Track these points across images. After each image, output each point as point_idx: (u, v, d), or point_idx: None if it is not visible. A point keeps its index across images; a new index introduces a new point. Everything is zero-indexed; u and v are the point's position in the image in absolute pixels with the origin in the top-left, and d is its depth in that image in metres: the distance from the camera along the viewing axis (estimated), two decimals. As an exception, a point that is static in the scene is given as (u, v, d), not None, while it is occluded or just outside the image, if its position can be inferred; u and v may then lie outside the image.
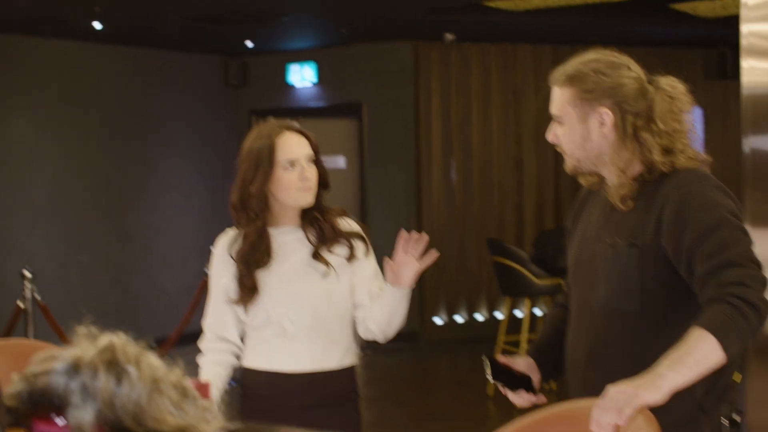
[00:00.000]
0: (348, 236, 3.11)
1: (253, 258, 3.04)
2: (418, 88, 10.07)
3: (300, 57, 10.48)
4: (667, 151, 2.49)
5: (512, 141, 10.37)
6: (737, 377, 2.53)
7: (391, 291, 3.07)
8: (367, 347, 10.29)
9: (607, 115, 2.52)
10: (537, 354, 2.74)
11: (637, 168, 2.52)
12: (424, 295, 10.08)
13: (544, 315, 8.25)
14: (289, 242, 3.09)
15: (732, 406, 2.49)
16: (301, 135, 3.07)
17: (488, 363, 2.59)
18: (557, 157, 10.96)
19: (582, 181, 2.72)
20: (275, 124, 3.09)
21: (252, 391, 3.11)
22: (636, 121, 2.51)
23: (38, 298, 6.51)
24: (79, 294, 9.03)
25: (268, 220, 3.08)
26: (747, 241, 2.38)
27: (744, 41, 4.39)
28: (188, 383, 1.75)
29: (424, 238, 3.05)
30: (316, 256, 3.06)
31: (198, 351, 3.17)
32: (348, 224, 3.16)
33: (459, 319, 10.25)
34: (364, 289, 3.12)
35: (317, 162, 3.08)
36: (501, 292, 7.53)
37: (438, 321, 10.18)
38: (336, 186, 11.20)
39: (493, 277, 8.32)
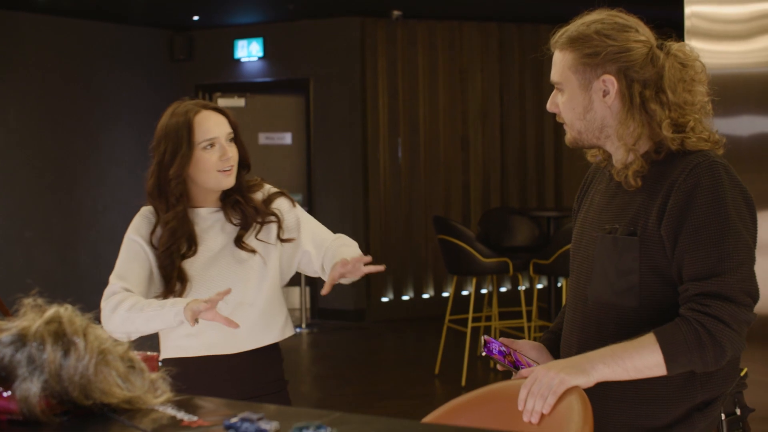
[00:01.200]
0: (271, 213, 3.02)
1: (176, 246, 2.90)
2: (365, 65, 10.05)
3: (247, 32, 10.40)
4: (678, 126, 2.25)
5: (458, 119, 10.39)
6: (741, 372, 2.35)
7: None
8: (313, 325, 10.25)
9: (611, 82, 2.29)
10: (549, 341, 2.54)
11: (645, 145, 2.30)
12: (371, 273, 10.07)
13: (489, 293, 8.29)
14: (211, 226, 2.99)
15: (735, 400, 2.31)
16: (219, 113, 2.96)
17: (483, 342, 2.34)
18: (503, 135, 11.03)
19: (588, 156, 2.50)
20: (191, 103, 2.97)
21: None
22: (644, 90, 2.27)
23: (-20, 273, 6.40)
24: (25, 270, 8.92)
25: (189, 202, 2.97)
26: (748, 260, 2.16)
27: (687, 22, 4.40)
28: (135, 355, 1.74)
29: (367, 259, 2.88)
30: (239, 244, 2.96)
31: None
32: (267, 194, 3.06)
33: (405, 297, 10.28)
34: (309, 242, 3.04)
35: (237, 141, 2.97)
36: (447, 270, 7.54)
37: (384, 299, 10.20)
38: (282, 162, 11.15)
39: (439, 255, 8.34)
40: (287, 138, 10.71)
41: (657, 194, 2.25)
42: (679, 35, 4.59)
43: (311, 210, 10.26)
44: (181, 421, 1.64)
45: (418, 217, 10.21)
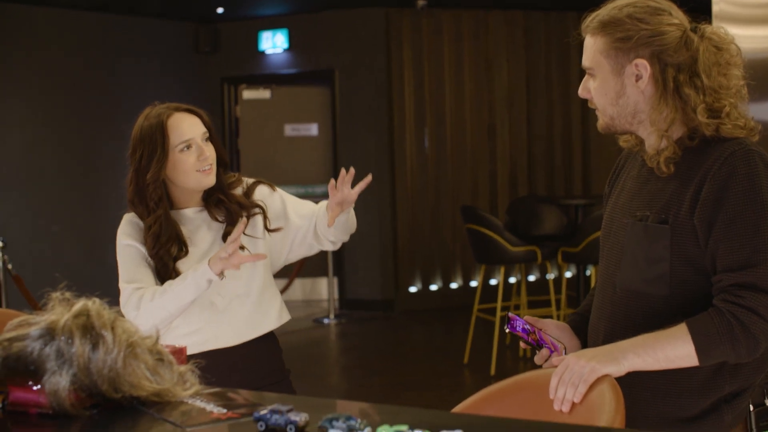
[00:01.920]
0: (254, 205, 3.03)
1: (165, 250, 2.91)
2: (390, 55, 10.02)
3: (271, 23, 10.39)
4: (713, 111, 2.19)
5: (485, 108, 10.35)
6: None
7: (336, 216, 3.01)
8: (341, 315, 10.26)
9: (644, 67, 2.23)
10: (574, 322, 2.50)
11: (679, 130, 2.24)
12: (399, 263, 10.08)
13: (518, 282, 8.26)
14: (198, 225, 3.00)
15: (763, 391, 2.27)
16: (192, 114, 2.97)
17: (507, 318, 2.30)
18: (529, 123, 10.99)
19: (621, 142, 2.45)
20: (163, 107, 2.99)
21: None
22: (677, 74, 2.21)
23: (10, 268, 6.45)
24: (52, 264, 8.96)
25: (168, 208, 2.97)
26: None
27: (715, 7, 4.36)
28: (163, 348, 1.74)
29: (351, 172, 2.94)
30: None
31: None
32: (246, 187, 3.08)
33: (433, 287, 10.26)
34: (297, 217, 3.07)
35: (213, 140, 2.98)
36: (475, 259, 7.52)
37: (412, 289, 10.19)
38: (308, 153, 11.15)
39: (467, 245, 8.31)
40: (313, 129, 10.70)
41: (690, 182, 2.20)
42: (707, 20, 4.55)
43: (338, 201, 10.24)
44: (211, 413, 1.63)
45: (445, 206, 10.18)
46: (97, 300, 1.69)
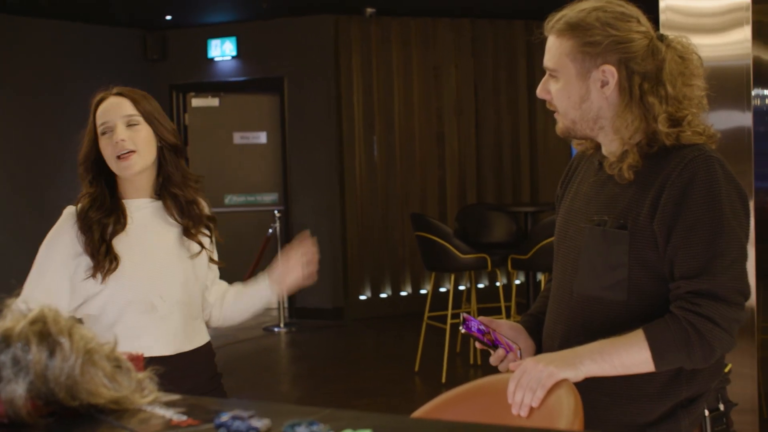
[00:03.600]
0: (208, 219, 2.98)
1: (103, 222, 2.82)
2: (339, 62, 10.02)
3: (220, 31, 10.36)
4: (674, 120, 2.19)
5: (433, 115, 10.38)
6: (726, 368, 2.33)
7: (265, 290, 2.99)
8: (291, 324, 10.20)
9: (611, 73, 2.21)
10: (527, 323, 2.50)
11: (636, 137, 2.23)
12: (349, 271, 10.07)
13: (468, 289, 8.29)
14: (146, 215, 2.90)
15: (718, 396, 2.30)
16: (122, 97, 2.87)
17: (463, 318, 2.30)
18: (478, 131, 11.04)
19: (574, 144, 2.44)
20: (107, 90, 2.92)
21: None
22: (643, 82, 2.20)
23: (-45, 277, 6.35)
24: (0, 272, 8.85)
25: (121, 194, 2.91)
26: (741, 259, 2.14)
27: (662, 16, 4.41)
28: (121, 355, 1.72)
29: (315, 247, 2.95)
30: (188, 234, 2.89)
31: None
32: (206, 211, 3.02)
33: (383, 295, 10.26)
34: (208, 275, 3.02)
35: (153, 126, 2.87)
36: (425, 267, 7.53)
37: (362, 297, 10.18)
38: (258, 161, 11.12)
39: (416, 252, 8.34)
40: (262, 137, 10.67)
41: (650, 188, 2.19)
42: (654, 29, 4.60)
43: (288, 209, 10.23)
44: (170, 420, 1.61)
45: (394, 214, 10.19)
46: (53, 306, 1.66)
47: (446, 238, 7.12)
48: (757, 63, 4.25)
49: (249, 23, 10.25)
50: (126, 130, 2.83)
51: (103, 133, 2.84)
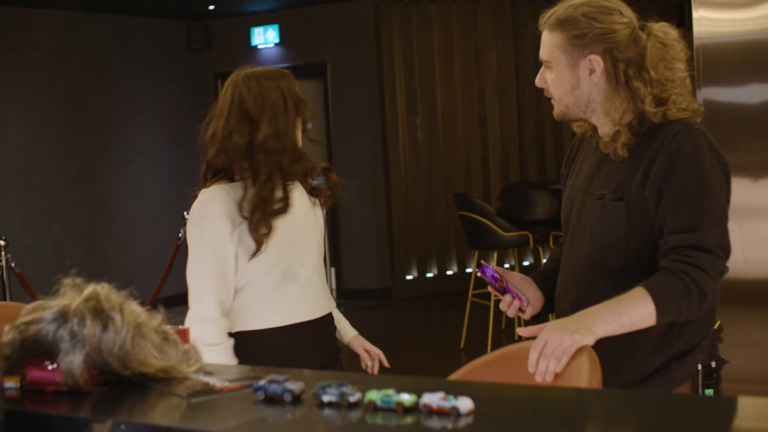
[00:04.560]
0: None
1: (271, 208, 2.83)
2: (380, 47, 10.14)
3: (262, 19, 10.52)
4: (660, 101, 2.42)
5: (475, 97, 10.47)
6: (716, 324, 2.53)
7: (346, 332, 3.26)
8: (340, 305, 10.35)
9: (597, 62, 2.45)
10: (539, 279, 2.71)
11: (627, 118, 2.47)
12: (395, 252, 10.21)
13: (512, 267, 8.39)
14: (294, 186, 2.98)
15: (711, 353, 2.49)
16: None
17: (480, 264, 2.58)
18: (520, 111, 11.10)
19: (575, 127, 2.69)
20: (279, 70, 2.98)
21: (260, 356, 2.84)
22: (627, 69, 2.43)
23: (13, 266, 6.56)
24: (54, 262, 9.08)
25: None
26: (723, 219, 2.35)
27: (696, -8, 4.47)
28: (168, 328, 1.87)
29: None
30: (315, 205, 3.02)
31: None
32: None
33: (430, 274, 10.39)
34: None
35: None
36: (468, 245, 7.65)
37: (409, 277, 10.32)
38: (303, 146, 11.23)
39: (461, 231, 8.45)
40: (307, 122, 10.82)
41: (641, 162, 2.42)
42: (687, 5, 4.63)
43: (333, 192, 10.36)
44: (214, 386, 1.76)
45: (439, 195, 10.31)
46: (105, 285, 1.82)
47: (488, 217, 7.24)
48: (788, 35, 4.33)
49: (291, 10, 10.40)
50: None
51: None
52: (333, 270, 10.28)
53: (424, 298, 10.18)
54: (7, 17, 9.23)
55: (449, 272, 10.41)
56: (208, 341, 2.72)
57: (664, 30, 2.48)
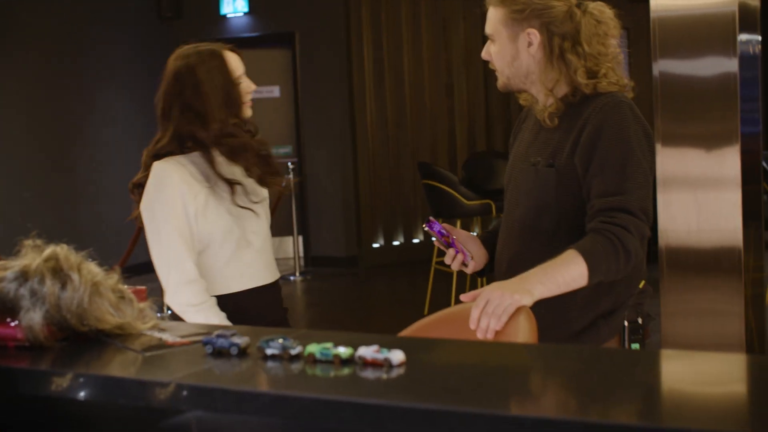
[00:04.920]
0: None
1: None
2: (349, 17, 10.21)
3: (232, -12, 10.56)
4: (591, 73, 2.59)
5: (443, 67, 10.57)
6: (641, 284, 2.70)
7: None
8: (307, 272, 10.42)
9: (534, 35, 2.62)
10: (484, 238, 2.86)
11: (563, 89, 2.64)
12: (362, 220, 10.33)
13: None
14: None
15: (637, 310, 2.66)
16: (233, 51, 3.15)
17: (428, 219, 2.72)
18: (487, 81, 11.17)
19: (521, 101, 2.83)
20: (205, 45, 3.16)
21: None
22: (563, 42, 2.61)
23: (-19, 232, 6.63)
24: (24, 228, 9.12)
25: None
26: (646, 184, 2.51)
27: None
28: (124, 287, 1.98)
29: None
30: (262, 182, 3.12)
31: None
32: None
33: (396, 243, 10.52)
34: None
35: None
36: (432, 214, 7.78)
37: (375, 245, 10.45)
38: (271, 115, 11.28)
39: (426, 201, 8.58)
40: (275, 91, 10.88)
41: (572, 130, 2.60)
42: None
43: (301, 162, 10.47)
44: (166, 341, 1.88)
45: (405, 164, 10.42)
46: (64, 246, 1.92)
47: (452, 186, 7.36)
48: (743, 8, 4.39)
49: (260, -21, 10.45)
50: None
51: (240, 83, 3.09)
52: (300, 238, 10.39)
53: (390, 265, 10.31)
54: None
55: (415, 240, 10.54)
56: (194, 301, 2.88)
57: (600, 8, 2.66)
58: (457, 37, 10.57)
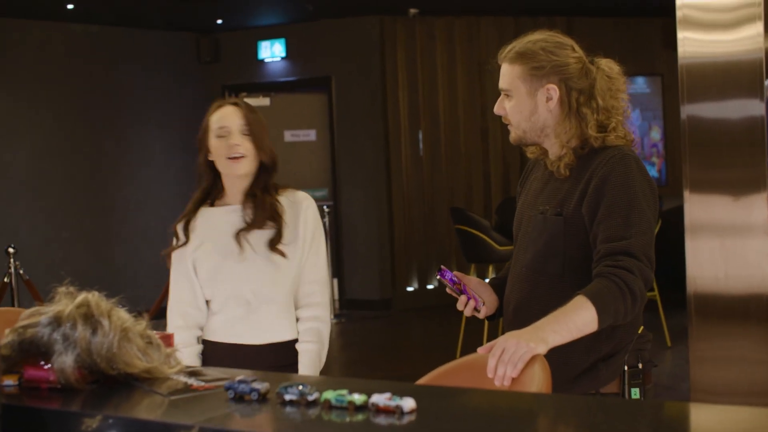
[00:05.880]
0: (280, 220, 3.16)
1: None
2: (385, 61, 10.34)
3: (270, 33, 10.74)
4: (602, 127, 2.68)
5: (478, 111, 10.67)
6: (640, 329, 2.76)
7: None
8: (341, 315, 10.50)
9: (554, 90, 2.70)
10: (494, 283, 2.94)
11: (573, 142, 2.72)
12: (396, 263, 10.40)
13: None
14: (224, 222, 3.19)
15: (638, 355, 2.72)
16: (236, 107, 3.18)
17: (440, 267, 2.82)
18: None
19: (528, 153, 2.91)
20: (219, 100, 3.26)
21: (213, 361, 3.15)
22: (579, 97, 2.70)
23: (22, 273, 6.76)
24: (63, 268, 9.25)
25: (216, 196, 3.24)
26: (649, 232, 2.60)
27: (679, 13, 4.62)
28: (153, 333, 2.07)
29: None
30: (236, 236, 3.14)
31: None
32: (293, 203, 3.20)
33: (430, 286, 10.58)
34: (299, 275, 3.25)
35: (254, 136, 3.15)
36: (465, 259, 7.84)
37: (410, 288, 10.51)
38: (308, 158, 11.39)
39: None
40: (312, 135, 11.03)
41: (580, 181, 2.69)
42: (672, 26, 4.77)
43: (336, 204, 10.57)
44: (191, 385, 1.96)
45: (440, 207, 10.50)
46: (96, 293, 2.02)
47: (484, 231, 7.43)
48: (771, 55, 4.46)
49: (297, 25, 10.61)
50: (240, 137, 3.17)
51: (218, 136, 3.17)
52: (335, 281, 10.48)
53: (424, 309, 10.36)
54: (19, 29, 9.47)
55: (449, 283, 10.57)
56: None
57: (609, 65, 2.77)
58: (493, 80, 10.58)
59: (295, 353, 3.21)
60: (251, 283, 3.14)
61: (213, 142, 3.16)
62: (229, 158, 3.14)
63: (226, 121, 3.16)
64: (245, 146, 3.14)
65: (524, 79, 2.73)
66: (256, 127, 3.17)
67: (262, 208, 3.15)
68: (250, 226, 3.14)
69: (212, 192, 3.26)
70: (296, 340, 3.21)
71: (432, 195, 10.53)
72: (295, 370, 3.22)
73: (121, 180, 10.29)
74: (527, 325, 2.50)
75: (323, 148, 10.95)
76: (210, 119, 3.20)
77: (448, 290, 2.87)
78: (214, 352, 3.19)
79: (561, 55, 2.73)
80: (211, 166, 3.21)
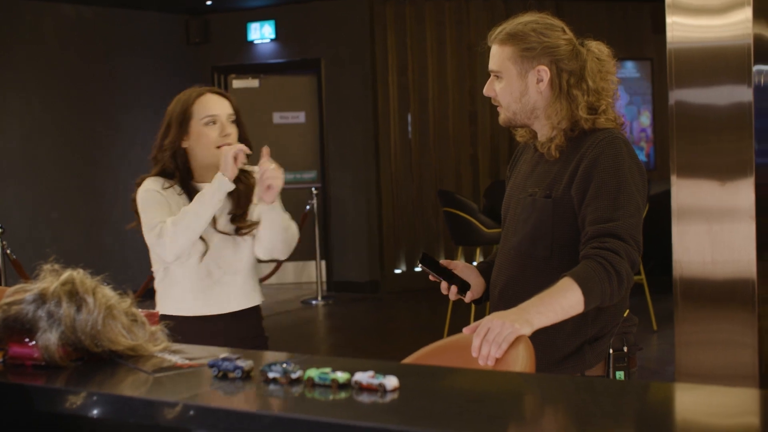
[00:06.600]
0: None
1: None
2: (375, 43, 10.33)
3: (259, 14, 10.71)
4: (592, 109, 2.69)
5: (467, 94, 10.67)
6: (625, 313, 2.78)
7: (263, 211, 3.23)
8: (329, 297, 10.53)
9: (545, 72, 2.71)
10: (482, 267, 2.94)
11: (564, 124, 2.71)
12: (384, 245, 10.41)
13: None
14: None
15: (623, 339, 2.73)
16: (222, 96, 3.25)
17: (422, 256, 2.83)
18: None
19: (518, 137, 2.90)
20: (197, 88, 3.29)
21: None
22: (570, 78, 2.70)
23: (9, 252, 6.76)
24: (52, 250, 9.25)
25: (187, 178, 3.27)
26: (637, 214, 2.61)
27: (669, -1, 4.64)
28: (137, 311, 2.07)
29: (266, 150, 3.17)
30: (235, 220, 3.24)
31: None
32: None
33: (418, 269, 10.58)
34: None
35: (239, 125, 3.23)
36: (453, 241, 7.85)
37: (397, 271, 10.52)
38: (296, 140, 11.41)
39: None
40: (301, 117, 11.02)
41: (569, 163, 2.69)
42: (661, 11, 4.75)
43: (325, 186, 10.57)
44: (176, 363, 1.97)
45: (428, 190, 10.51)
46: (81, 270, 2.02)
47: (472, 214, 7.43)
48: (758, 41, 4.45)
49: (287, 6, 10.59)
50: (230, 126, 3.23)
51: (207, 124, 3.20)
52: (323, 262, 10.48)
53: (411, 291, 10.37)
54: (9, 9, 9.42)
55: (437, 266, 10.58)
56: (169, 227, 3.11)
57: (599, 47, 2.77)
58: (482, 64, 10.63)
59: (260, 323, 3.35)
60: (215, 257, 3.21)
61: (200, 129, 3.19)
62: (219, 146, 3.17)
63: (215, 110, 3.20)
64: (234, 135, 3.20)
65: (515, 61, 2.72)
66: (241, 116, 3.26)
67: (246, 196, 3.25)
68: (239, 216, 3.24)
69: (171, 177, 3.28)
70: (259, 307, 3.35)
71: (420, 178, 10.54)
72: (262, 342, 3.34)
73: (111, 161, 10.27)
74: (513, 306, 2.51)
75: (312, 131, 10.95)
76: (193, 107, 3.21)
77: (431, 277, 2.89)
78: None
79: (552, 36, 2.72)
80: (178, 152, 3.23)
